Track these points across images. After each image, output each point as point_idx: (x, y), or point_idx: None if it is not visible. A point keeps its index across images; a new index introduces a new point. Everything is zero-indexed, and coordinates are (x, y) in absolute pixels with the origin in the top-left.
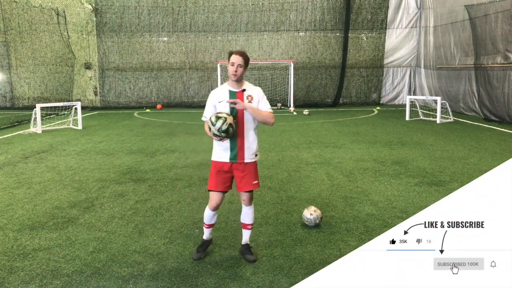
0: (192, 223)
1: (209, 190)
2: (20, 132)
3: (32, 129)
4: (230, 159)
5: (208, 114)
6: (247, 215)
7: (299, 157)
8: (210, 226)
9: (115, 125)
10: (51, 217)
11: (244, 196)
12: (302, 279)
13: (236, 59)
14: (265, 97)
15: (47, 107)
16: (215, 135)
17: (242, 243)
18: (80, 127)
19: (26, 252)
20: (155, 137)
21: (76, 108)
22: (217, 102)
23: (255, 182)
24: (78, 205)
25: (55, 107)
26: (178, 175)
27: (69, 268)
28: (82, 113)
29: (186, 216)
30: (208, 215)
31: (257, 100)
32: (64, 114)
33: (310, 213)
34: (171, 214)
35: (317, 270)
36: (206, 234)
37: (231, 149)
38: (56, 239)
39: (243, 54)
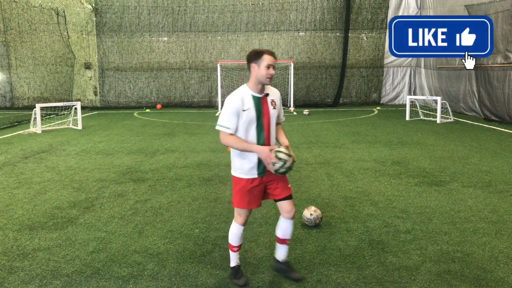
0: (192, 223)
1: (237, 208)
2: (20, 132)
3: (32, 129)
4: (259, 174)
5: (230, 124)
6: (288, 229)
7: (299, 157)
8: (238, 248)
9: (115, 125)
10: (51, 217)
11: (287, 205)
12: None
13: (273, 60)
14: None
15: (47, 107)
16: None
17: (280, 260)
18: (80, 127)
19: (26, 252)
20: (155, 137)
21: (76, 108)
22: (242, 110)
23: (289, 185)
24: (78, 205)
25: (55, 107)
26: (178, 175)
27: (69, 268)
28: (82, 113)
29: (186, 216)
30: (237, 233)
31: (279, 106)
32: (64, 114)
33: (310, 213)
34: (171, 214)
35: (317, 270)
36: (235, 259)
37: (259, 164)
38: (56, 239)
39: (275, 54)
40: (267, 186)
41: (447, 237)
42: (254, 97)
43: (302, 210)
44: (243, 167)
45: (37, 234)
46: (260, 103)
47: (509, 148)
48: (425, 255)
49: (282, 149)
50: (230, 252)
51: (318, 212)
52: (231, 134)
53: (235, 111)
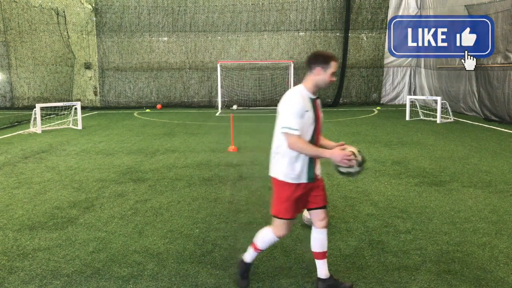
0: (192, 223)
1: (281, 218)
2: (20, 132)
3: (32, 129)
4: (309, 179)
5: (298, 125)
6: (325, 240)
7: None
8: (261, 251)
9: (115, 125)
10: (51, 217)
11: (323, 214)
12: (302, 279)
13: (337, 67)
14: None
15: (47, 107)
16: (345, 173)
17: (325, 277)
18: (80, 127)
19: (26, 252)
20: (155, 137)
21: (76, 108)
22: (305, 111)
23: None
24: (78, 205)
25: (55, 107)
26: (178, 175)
27: (69, 268)
28: (82, 113)
29: (186, 216)
30: (270, 241)
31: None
32: (64, 114)
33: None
34: (171, 214)
35: (317, 271)
36: (252, 256)
37: (309, 167)
38: (56, 239)
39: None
40: (311, 193)
41: (447, 237)
42: (311, 99)
43: (302, 210)
44: (294, 170)
45: (37, 234)
46: (314, 106)
47: (509, 148)
48: (425, 255)
49: (353, 148)
50: (251, 248)
51: None
52: (299, 137)
53: (299, 112)
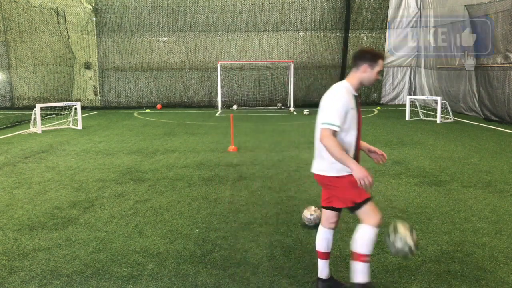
0: (192, 223)
1: (366, 201)
2: (20, 132)
3: (32, 129)
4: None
5: (340, 121)
6: (331, 240)
7: (299, 157)
8: (369, 257)
9: (115, 125)
10: (51, 217)
11: (337, 216)
12: (302, 279)
13: (383, 65)
14: None
15: (47, 107)
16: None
17: (326, 278)
18: (80, 127)
19: (26, 252)
20: (155, 137)
21: (76, 108)
22: (350, 108)
23: None
24: (78, 205)
25: (55, 107)
26: (178, 175)
27: (69, 268)
28: (82, 113)
29: (186, 216)
30: (372, 237)
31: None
32: (64, 114)
33: (310, 213)
34: (171, 214)
35: (317, 270)
36: (364, 271)
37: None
38: (56, 239)
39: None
40: None
41: (447, 237)
42: (354, 96)
43: (302, 210)
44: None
45: (37, 234)
46: (357, 102)
47: (509, 148)
48: (425, 255)
49: (406, 226)
50: (357, 264)
51: (318, 212)
52: (334, 134)
53: (345, 108)
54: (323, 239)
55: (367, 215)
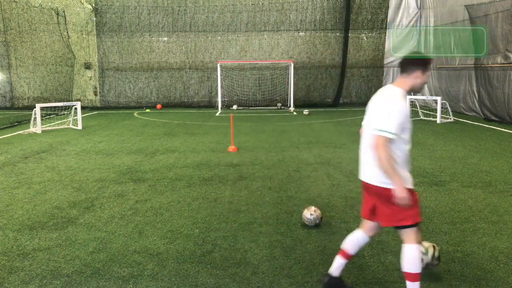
0: (192, 223)
1: (416, 224)
2: (20, 132)
3: (32, 129)
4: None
5: (397, 130)
6: (361, 246)
7: (299, 157)
8: (420, 275)
9: (115, 125)
10: (51, 217)
11: (379, 228)
12: (302, 279)
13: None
14: None
15: (47, 107)
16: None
17: (337, 277)
18: (80, 127)
19: (26, 252)
20: (155, 137)
21: (76, 108)
22: (407, 117)
23: None
24: (78, 205)
25: (55, 107)
26: (178, 175)
27: (69, 268)
28: (82, 113)
29: (186, 216)
30: (417, 255)
31: None
32: (64, 114)
33: (310, 213)
34: (171, 214)
35: (317, 270)
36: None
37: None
38: (56, 239)
39: None
40: None
41: (447, 237)
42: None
43: (302, 210)
44: (407, 176)
45: (37, 234)
46: None
47: (509, 148)
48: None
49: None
50: (413, 283)
51: (318, 212)
52: (389, 144)
53: (403, 116)
54: (356, 244)
55: (410, 236)
